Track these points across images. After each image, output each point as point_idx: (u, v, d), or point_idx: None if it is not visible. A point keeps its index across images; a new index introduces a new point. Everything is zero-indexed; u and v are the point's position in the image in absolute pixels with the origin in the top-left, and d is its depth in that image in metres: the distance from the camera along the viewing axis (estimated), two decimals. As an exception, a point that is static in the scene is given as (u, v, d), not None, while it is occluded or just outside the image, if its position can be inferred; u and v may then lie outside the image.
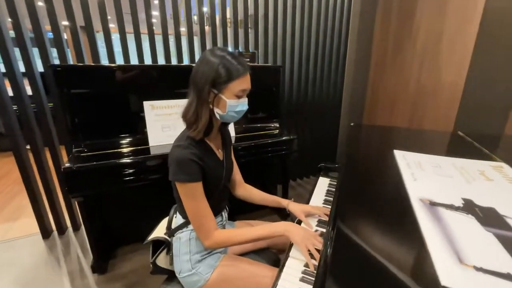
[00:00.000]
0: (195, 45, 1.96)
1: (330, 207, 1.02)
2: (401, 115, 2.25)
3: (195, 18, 2.01)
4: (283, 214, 2.09)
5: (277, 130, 1.99)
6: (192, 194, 0.82)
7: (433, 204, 0.55)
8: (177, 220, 0.96)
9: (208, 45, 2.01)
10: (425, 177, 0.69)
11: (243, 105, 0.84)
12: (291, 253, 0.81)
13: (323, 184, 1.28)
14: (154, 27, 1.79)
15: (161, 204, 1.23)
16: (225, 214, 1.04)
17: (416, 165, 0.76)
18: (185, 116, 0.85)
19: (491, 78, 1.61)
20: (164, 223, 1.01)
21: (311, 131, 2.53)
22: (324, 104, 2.52)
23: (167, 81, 1.65)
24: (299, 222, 0.96)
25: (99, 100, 1.50)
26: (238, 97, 0.81)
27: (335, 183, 1.29)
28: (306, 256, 0.76)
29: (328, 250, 0.45)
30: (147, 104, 1.56)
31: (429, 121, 2.03)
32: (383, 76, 2.36)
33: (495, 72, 1.58)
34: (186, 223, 0.92)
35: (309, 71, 2.37)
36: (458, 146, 1.03)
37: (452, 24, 1.80)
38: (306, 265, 0.76)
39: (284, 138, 1.86)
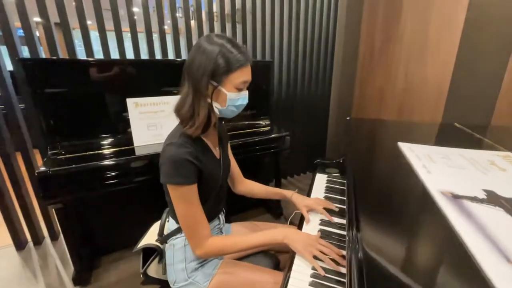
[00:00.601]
0: (180, 41, 1.86)
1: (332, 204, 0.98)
2: (390, 109, 2.26)
3: (180, 12, 1.91)
4: (276, 214, 2.04)
5: (268, 127, 1.94)
6: (185, 198, 0.74)
7: (456, 197, 0.51)
8: (170, 225, 0.88)
9: (195, 41, 1.92)
10: (438, 169, 0.65)
11: (244, 98, 0.77)
12: (296, 256, 0.75)
13: (320, 180, 1.24)
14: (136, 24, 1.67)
15: (149, 208, 1.14)
16: (222, 217, 0.97)
17: (425, 157, 0.73)
18: (178, 111, 0.76)
19: (477, 70, 1.63)
20: (155, 228, 0.92)
21: (301, 128, 2.49)
22: (313, 100, 2.49)
23: (152, 77, 1.55)
24: (300, 226, 0.91)
25: (77, 98, 1.38)
26: (239, 89, 0.74)
27: (333, 179, 1.25)
28: (314, 264, 0.71)
29: (359, 255, 0.40)
30: (130, 102, 1.45)
31: (417, 115, 2.04)
32: (371, 71, 2.36)
33: (481, 64, 1.61)
34: (180, 229, 0.84)
35: (298, 66, 2.33)
36: (459, 137, 1.01)
37: (439, 18, 1.81)
38: (314, 267, 0.71)
39: (275, 135, 1.81)
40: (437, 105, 1.88)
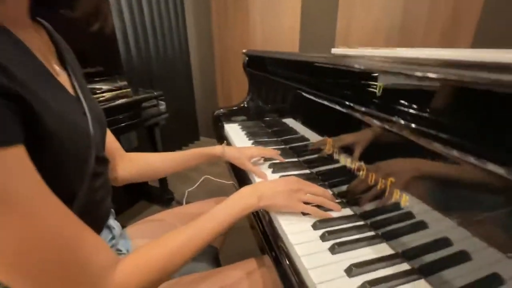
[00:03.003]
0: None
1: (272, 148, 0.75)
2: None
3: None
4: (166, 200, 1.58)
5: (128, 89, 1.39)
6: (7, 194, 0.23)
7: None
8: None
9: None
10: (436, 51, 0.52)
11: None
12: (279, 217, 0.48)
13: (234, 131, 0.98)
14: None
15: None
16: (114, 222, 0.51)
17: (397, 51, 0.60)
18: None
19: (318, 18, 1.85)
20: None
21: (166, 89, 2.03)
22: (171, 59, 2.08)
23: None
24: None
25: None
26: None
27: (247, 125, 1.02)
28: (316, 213, 0.49)
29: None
30: None
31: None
32: (228, 26, 2.24)
33: (321, 12, 1.82)
34: None
35: (145, 18, 1.81)
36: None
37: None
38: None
39: (144, 95, 1.34)
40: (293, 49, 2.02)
